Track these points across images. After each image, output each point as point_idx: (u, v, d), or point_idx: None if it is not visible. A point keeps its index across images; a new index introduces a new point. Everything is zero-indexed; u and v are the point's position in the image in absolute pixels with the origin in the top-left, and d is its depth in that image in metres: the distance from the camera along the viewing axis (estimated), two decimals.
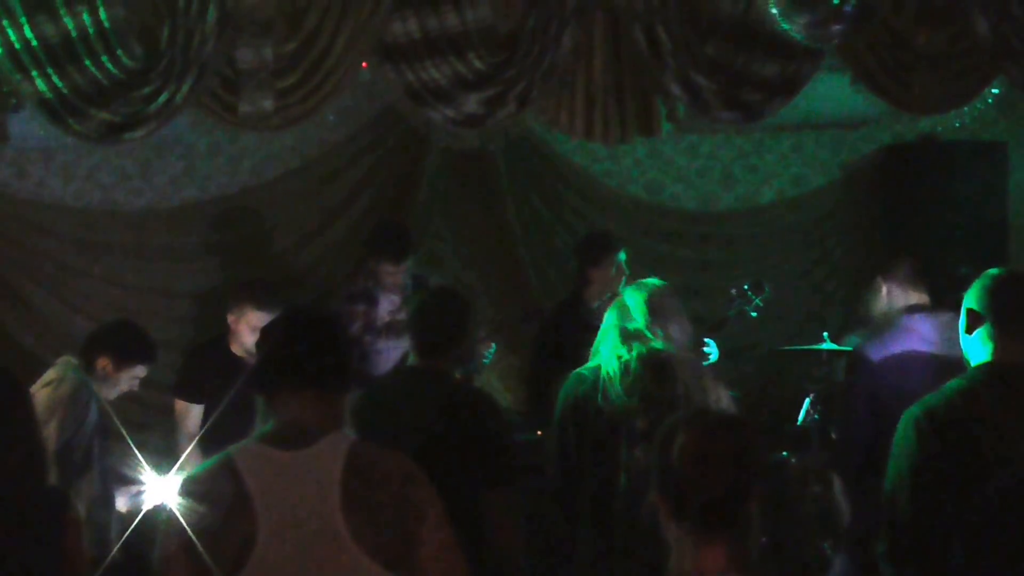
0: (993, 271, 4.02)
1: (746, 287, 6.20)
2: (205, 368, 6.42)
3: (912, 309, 5.52)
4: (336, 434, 3.46)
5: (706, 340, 6.23)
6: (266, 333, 3.66)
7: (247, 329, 6.26)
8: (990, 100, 7.74)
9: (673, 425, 3.06)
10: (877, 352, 5.48)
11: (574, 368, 6.96)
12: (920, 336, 5.41)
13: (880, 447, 5.17)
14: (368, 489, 3.36)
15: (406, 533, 3.37)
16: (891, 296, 5.65)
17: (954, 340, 4.94)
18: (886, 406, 5.11)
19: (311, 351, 3.50)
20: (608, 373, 4.93)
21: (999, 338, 3.91)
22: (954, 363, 4.76)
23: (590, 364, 5.07)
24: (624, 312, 5.04)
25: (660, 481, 3.02)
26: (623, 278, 6.93)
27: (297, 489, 3.35)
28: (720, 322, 6.46)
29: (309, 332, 3.56)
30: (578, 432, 4.97)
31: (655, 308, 4.98)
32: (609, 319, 5.10)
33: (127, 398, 6.27)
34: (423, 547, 3.38)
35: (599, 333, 5.12)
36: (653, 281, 5.15)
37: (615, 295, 6.71)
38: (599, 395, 4.92)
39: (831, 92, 7.77)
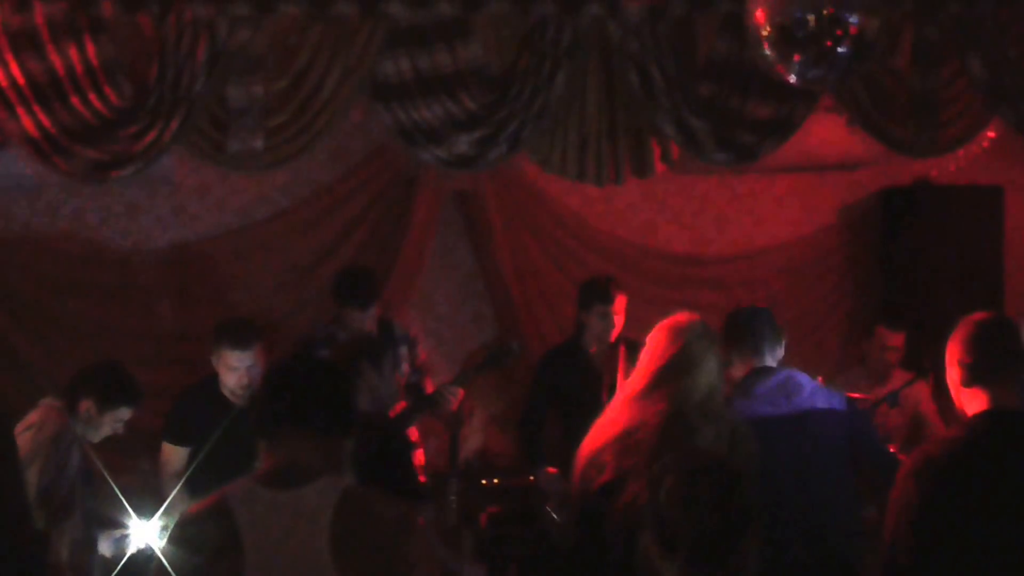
0: (973, 318, 4.03)
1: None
2: (193, 410, 6.37)
3: (744, 379, 5.34)
4: (331, 476, 3.44)
5: None
6: (269, 374, 3.71)
7: (226, 370, 6.23)
8: (986, 143, 7.75)
9: (661, 467, 3.11)
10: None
11: (568, 413, 6.94)
12: (752, 400, 5.25)
13: None
14: (359, 534, 3.35)
15: None
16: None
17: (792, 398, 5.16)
18: None
19: (311, 394, 3.51)
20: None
21: (991, 386, 3.91)
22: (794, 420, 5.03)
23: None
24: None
25: (651, 522, 3.05)
26: (612, 327, 6.87)
27: (287, 530, 3.34)
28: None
29: (310, 374, 3.57)
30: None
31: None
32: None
33: (112, 441, 6.20)
34: None
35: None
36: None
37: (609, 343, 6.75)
38: None
39: (827, 134, 7.75)
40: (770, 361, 5.35)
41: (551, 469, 6.76)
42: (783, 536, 4.92)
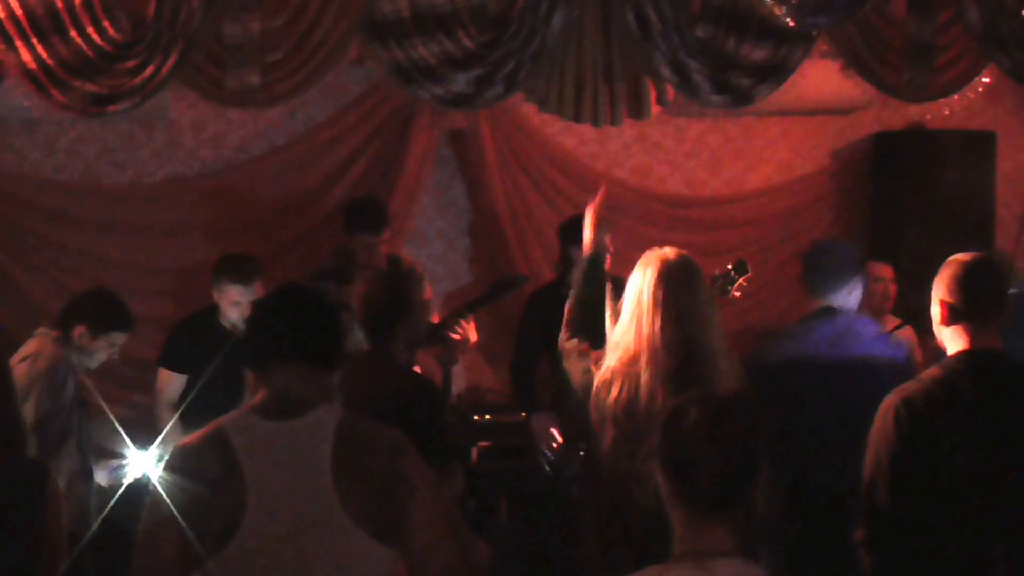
0: (959, 258, 4.03)
1: (729, 267, 6.13)
2: (191, 339, 6.47)
3: (807, 318, 5.48)
4: (326, 405, 3.49)
5: None
6: (258, 306, 3.72)
7: (227, 303, 6.32)
8: (980, 89, 7.76)
9: (682, 404, 3.04)
10: (771, 356, 5.43)
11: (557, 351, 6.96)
12: (812, 340, 5.34)
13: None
14: (359, 460, 3.40)
15: (396, 505, 3.40)
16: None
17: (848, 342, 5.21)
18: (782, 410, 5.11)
19: (301, 325, 3.53)
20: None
21: (972, 326, 3.93)
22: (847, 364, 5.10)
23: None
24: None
25: (666, 460, 3.01)
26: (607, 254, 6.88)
27: (288, 459, 3.38)
28: None
29: (300, 307, 3.58)
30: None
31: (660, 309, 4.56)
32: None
33: (107, 374, 6.24)
34: (412, 519, 3.41)
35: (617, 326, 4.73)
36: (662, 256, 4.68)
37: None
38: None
39: (821, 78, 7.76)
40: (836, 301, 5.38)
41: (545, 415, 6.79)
42: (812, 479, 5.05)
